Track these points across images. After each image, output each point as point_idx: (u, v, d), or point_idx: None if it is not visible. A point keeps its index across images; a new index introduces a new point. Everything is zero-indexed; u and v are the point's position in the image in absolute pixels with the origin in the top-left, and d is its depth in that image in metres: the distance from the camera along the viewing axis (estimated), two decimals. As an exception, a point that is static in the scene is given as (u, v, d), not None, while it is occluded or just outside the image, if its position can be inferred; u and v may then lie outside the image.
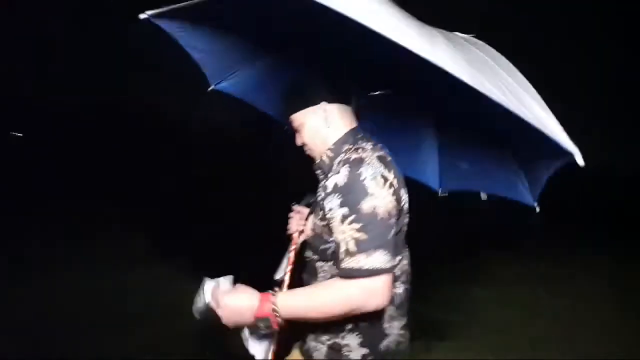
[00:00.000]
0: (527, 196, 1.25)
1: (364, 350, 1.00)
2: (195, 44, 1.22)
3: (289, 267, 1.21)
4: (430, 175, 1.49)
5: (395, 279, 0.99)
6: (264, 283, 1.06)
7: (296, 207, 1.34)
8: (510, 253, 4.40)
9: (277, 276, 1.23)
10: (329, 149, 1.06)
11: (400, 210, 0.97)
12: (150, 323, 2.59)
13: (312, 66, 1.14)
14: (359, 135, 1.06)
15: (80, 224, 4.17)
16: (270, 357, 1.10)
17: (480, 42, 1.03)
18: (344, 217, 0.89)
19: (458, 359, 2.54)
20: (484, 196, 1.43)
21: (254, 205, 4.87)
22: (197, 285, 1.02)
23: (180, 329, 2.40)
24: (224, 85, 1.42)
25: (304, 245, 1.16)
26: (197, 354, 2.35)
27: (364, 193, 0.89)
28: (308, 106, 1.07)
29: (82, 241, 3.83)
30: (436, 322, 2.84)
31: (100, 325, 2.52)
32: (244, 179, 5.91)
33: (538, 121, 0.79)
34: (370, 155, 0.95)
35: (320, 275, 1.02)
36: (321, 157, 1.08)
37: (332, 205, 0.92)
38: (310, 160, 1.13)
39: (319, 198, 1.00)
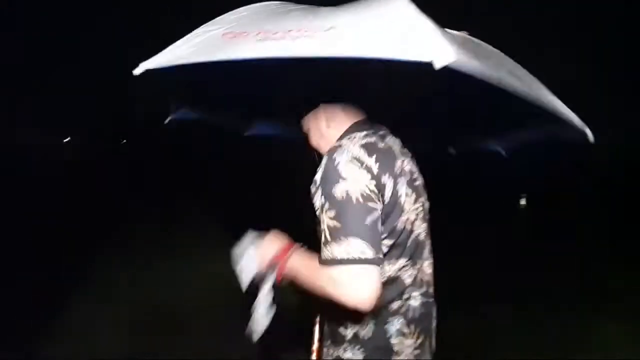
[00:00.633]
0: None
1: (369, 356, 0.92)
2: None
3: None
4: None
5: (405, 288, 0.93)
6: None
7: None
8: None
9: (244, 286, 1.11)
10: None
11: (388, 200, 0.87)
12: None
13: (301, 77, 1.07)
14: (363, 126, 0.99)
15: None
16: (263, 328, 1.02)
17: (475, 39, 0.98)
18: (322, 207, 0.85)
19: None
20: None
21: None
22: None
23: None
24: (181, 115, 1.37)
25: None
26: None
27: (337, 178, 0.83)
28: (309, 111, 1.08)
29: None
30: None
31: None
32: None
33: (552, 105, 0.80)
34: (353, 142, 0.90)
35: None
36: None
37: (316, 198, 0.89)
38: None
39: (311, 197, 0.93)
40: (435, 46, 0.59)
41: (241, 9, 0.92)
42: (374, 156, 0.87)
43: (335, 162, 0.86)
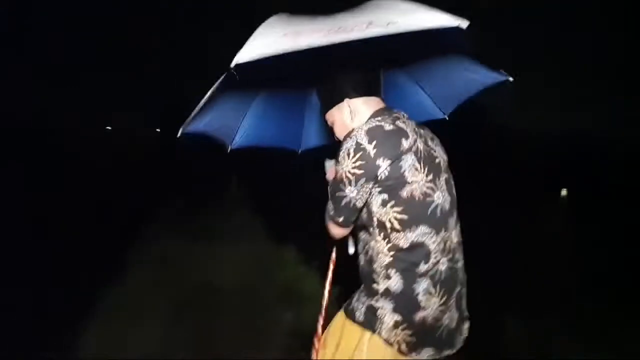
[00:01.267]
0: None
1: (397, 317, 1.09)
2: (210, 125, 1.41)
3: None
4: (431, 109, 1.61)
5: (432, 253, 1.08)
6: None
7: None
8: None
9: (350, 250, 1.43)
10: None
11: (385, 177, 1.06)
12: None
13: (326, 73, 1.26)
14: (378, 115, 1.16)
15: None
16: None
17: None
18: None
19: None
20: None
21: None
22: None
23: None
24: (237, 142, 1.58)
25: None
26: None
27: (340, 162, 1.10)
28: (334, 105, 1.23)
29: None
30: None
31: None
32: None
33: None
34: (361, 128, 1.10)
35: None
36: None
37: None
38: None
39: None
40: (447, 16, 0.87)
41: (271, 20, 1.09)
42: (374, 142, 1.06)
43: (343, 150, 1.10)
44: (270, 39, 0.95)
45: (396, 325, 1.09)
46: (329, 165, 1.43)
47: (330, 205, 1.17)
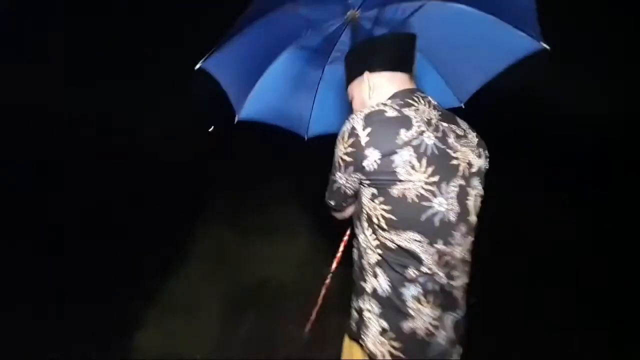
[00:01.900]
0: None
1: (384, 324, 0.99)
2: (225, 76, 1.39)
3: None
4: (447, 96, 1.54)
5: (423, 262, 0.96)
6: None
7: None
8: None
9: None
10: None
11: (374, 169, 0.95)
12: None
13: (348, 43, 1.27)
14: (397, 97, 1.03)
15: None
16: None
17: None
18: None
19: None
20: None
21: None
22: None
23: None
24: (247, 113, 1.57)
25: None
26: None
27: (337, 144, 1.03)
28: (354, 78, 1.13)
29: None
30: None
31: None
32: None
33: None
34: (362, 112, 0.98)
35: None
36: None
37: None
38: None
39: None
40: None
41: None
42: (369, 129, 0.94)
43: (341, 131, 1.00)
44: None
45: (382, 332, 0.99)
46: None
47: (327, 187, 1.14)
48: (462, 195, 0.98)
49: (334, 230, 1.67)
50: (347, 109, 1.19)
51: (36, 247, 3.22)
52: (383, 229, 0.97)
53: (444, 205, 0.95)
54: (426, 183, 0.94)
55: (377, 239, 0.99)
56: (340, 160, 1.01)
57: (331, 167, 1.07)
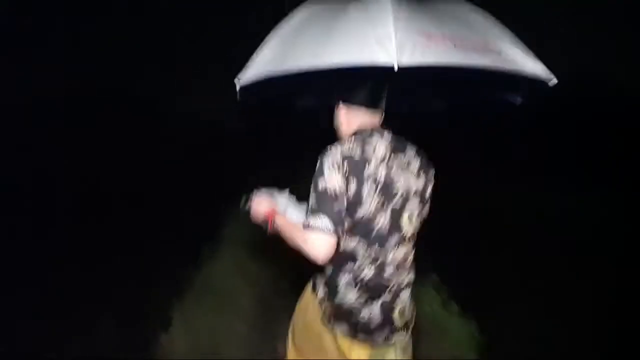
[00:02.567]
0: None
1: (324, 292, 1.36)
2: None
3: None
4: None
5: (360, 259, 1.27)
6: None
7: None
8: None
9: None
10: None
11: (352, 196, 1.20)
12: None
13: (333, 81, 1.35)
14: (361, 134, 1.28)
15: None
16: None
17: None
18: (311, 189, 1.22)
19: None
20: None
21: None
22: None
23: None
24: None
25: None
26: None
27: (320, 174, 1.20)
28: (336, 106, 1.37)
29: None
30: None
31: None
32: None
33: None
34: (338, 148, 1.23)
35: None
36: None
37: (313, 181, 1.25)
38: None
39: None
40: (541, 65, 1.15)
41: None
42: (346, 163, 1.20)
43: (322, 162, 1.21)
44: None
45: (322, 298, 1.37)
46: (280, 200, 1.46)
47: (316, 222, 1.20)
48: (395, 214, 1.27)
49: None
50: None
51: (44, 243, 3.19)
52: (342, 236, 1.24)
53: (381, 222, 1.25)
54: (376, 206, 1.23)
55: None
56: (334, 189, 1.19)
57: (316, 201, 1.21)
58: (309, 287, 1.50)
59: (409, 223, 1.30)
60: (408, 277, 1.35)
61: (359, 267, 1.27)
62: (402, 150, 1.30)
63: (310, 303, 1.46)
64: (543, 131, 5.88)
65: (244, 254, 3.20)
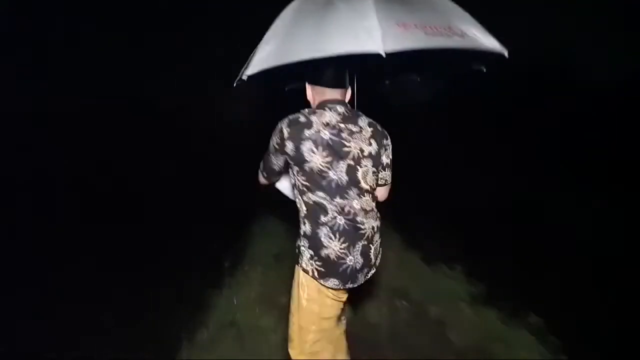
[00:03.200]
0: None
1: (310, 252, 1.54)
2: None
3: None
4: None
5: (330, 212, 1.49)
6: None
7: None
8: None
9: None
10: None
11: (292, 154, 1.47)
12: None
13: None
14: (319, 107, 1.52)
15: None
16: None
17: None
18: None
19: None
20: None
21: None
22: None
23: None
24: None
25: None
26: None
27: (272, 134, 1.52)
28: (304, 83, 1.62)
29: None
30: None
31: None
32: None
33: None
34: (290, 116, 1.50)
35: None
36: None
37: None
38: None
39: None
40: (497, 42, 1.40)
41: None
42: (289, 128, 1.47)
43: (278, 125, 1.51)
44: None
45: (310, 257, 1.55)
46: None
47: (262, 162, 1.67)
48: (351, 170, 1.50)
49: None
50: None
51: (45, 246, 3.18)
52: (303, 192, 1.52)
53: (335, 175, 1.48)
54: (323, 162, 1.47)
55: (302, 199, 1.54)
56: (271, 147, 1.54)
57: (267, 150, 1.57)
58: (297, 268, 1.63)
59: (364, 177, 1.51)
60: (375, 222, 1.58)
61: (331, 219, 1.49)
62: (354, 120, 1.52)
63: (302, 277, 1.59)
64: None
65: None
